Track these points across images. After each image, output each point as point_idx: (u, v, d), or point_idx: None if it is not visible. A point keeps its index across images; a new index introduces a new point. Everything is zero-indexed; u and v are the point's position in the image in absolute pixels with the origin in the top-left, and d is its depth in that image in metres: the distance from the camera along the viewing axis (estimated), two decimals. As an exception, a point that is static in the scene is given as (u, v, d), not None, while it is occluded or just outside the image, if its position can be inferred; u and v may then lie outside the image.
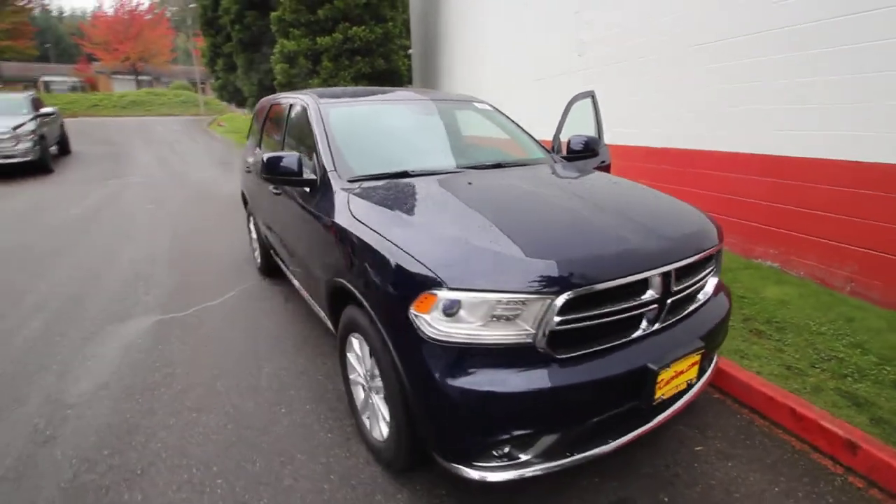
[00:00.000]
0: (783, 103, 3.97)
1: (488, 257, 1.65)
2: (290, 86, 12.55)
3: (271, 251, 4.11)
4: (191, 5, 27.81)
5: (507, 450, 1.67)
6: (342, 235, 2.12)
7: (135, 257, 5.20)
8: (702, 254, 1.95)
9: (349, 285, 2.00)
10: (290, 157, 2.55)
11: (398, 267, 1.72)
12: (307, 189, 2.67)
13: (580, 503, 1.97)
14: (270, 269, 4.52)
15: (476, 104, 3.57)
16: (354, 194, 2.25)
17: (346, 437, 2.40)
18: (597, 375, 1.65)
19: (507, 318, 1.58)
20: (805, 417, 2.28)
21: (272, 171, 2.58)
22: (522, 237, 1.76)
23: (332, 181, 2.46)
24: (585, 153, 3.29)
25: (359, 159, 2.61)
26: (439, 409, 1.64)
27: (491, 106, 3.64)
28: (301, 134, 3.20)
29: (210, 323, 3.69)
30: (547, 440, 1.68)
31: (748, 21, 4.21)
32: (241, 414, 2.59)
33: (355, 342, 2.22)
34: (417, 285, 1.63)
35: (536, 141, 3.42)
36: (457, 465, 1.70)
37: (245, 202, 4.96)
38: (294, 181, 2.61)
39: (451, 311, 1.59)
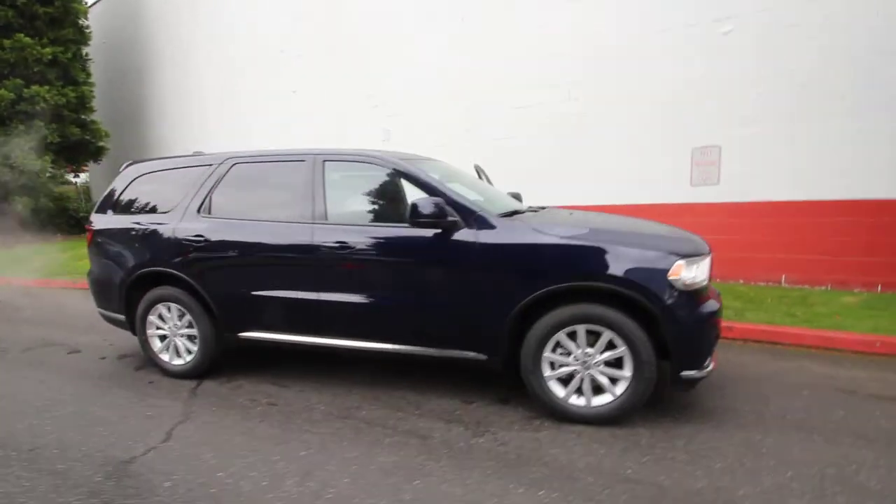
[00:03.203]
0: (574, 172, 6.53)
1: (687, 240, 2.78)
2: None
3: (249, 331, 3.39)
4: None
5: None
6: (553, 252, 2.70)
7: None
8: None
9: (596, 284, 2.61)
10: (437, 202, 2.79)
11: (655, 255, 2.59)
12: (437, 232, 2.88)
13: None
14: (216, 361, 3.61)
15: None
16: (542, 222, 2.83)
17: (558, 432, 2.77)
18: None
19: (699, 270, 2.73)
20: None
21: (417, 216, 2.77)
22: (674, 231, 2.97)
23: (487, 219, 2.87)
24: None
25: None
26: (700, 328, 2.60)
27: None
28: (365, 191, 3.39)
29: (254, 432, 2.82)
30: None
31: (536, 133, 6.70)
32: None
33: (563, 336, 2.73)
34: (672, 260, 2.57)
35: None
36: (693, 372, 2.64)
37: (126, 293, 3.65)
38: (440, 223, 2.82)
39: (689, 271, 2.61)
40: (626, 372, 2.68)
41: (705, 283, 2.75)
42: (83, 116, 10.42)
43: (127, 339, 4.54)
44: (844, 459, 2.40)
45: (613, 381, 2.74)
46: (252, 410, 3.12)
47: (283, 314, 3.31)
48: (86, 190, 13.76)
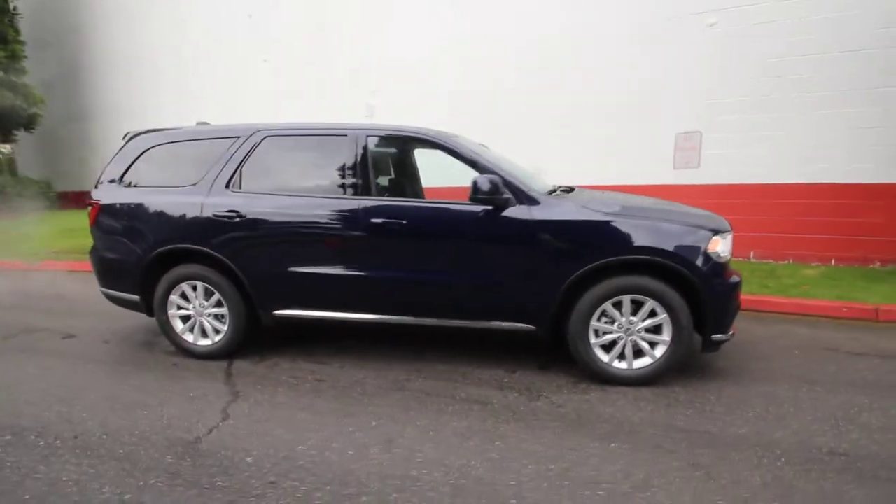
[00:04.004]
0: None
1: (714, 217, 3.06)
2: None
3: (288, 310, 3.34)
4: None
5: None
6: (606, 228, 2.90)
7: None
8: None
9: (647, 257, 2.84)
10: (493, 179, 2.89)
11: (696, 230, 2.87)
12: (488, 209, 2.98)
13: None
14: (249, 338, 3.54)
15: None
16: (587, 199, 3.01)
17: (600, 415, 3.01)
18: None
19: (726, 244, 3.04)
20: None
21: (477, 192, 2.87)
22: (698, 210, 3.25)
23: (537, 197, 3.01)
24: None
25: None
26: (730, 297, 2.91)
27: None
28: (400, 165, 3.29)
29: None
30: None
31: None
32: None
33: (608, 306, 2.95)
34: (709, 235, 2.86)
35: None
36: (722, 335, 2.96)
37: (143, 272, 3.45)
38: (495, 199, 2.92)
39: (721, 246, 2.91)
40: (666, 337, 2.96)
41: (730, 256, 3.07)
42: (14, 79, 9.28)
43: (125, 321, 4.32)
44: (847, 404, 2.83)
45: (652, 345, 3.02)
46: (301, 387, 3.12)
47: (324, 291, 3.29)
48: (10, 161, 12.31)
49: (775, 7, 5.67)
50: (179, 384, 3.19)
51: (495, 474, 2.21)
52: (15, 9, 9.76)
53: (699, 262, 2.85)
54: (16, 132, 10.43)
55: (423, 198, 4.12)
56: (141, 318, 4.26)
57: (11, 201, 10.83)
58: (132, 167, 3.58)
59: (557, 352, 3.40)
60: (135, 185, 3.55)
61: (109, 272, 3.66)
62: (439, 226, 3.15)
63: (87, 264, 6.91)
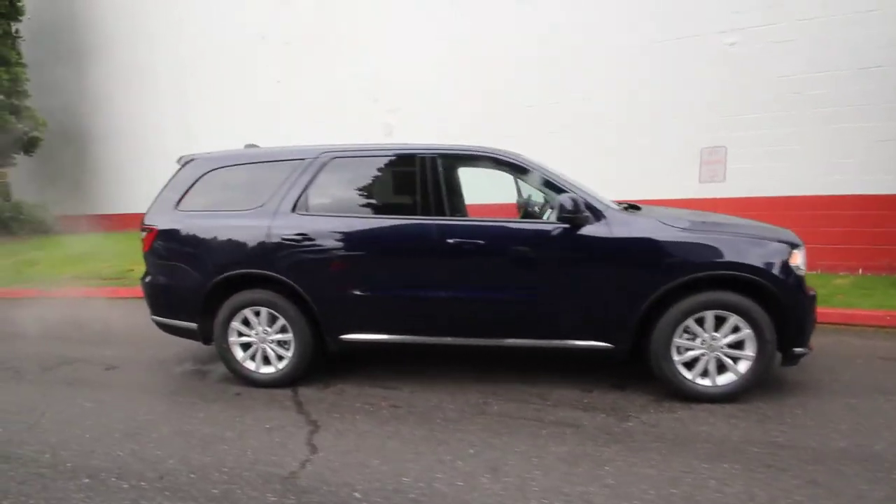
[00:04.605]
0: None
1: (788, 232, 3.09)
2: None
3: (354, 334, 3.26)
4: None
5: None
6: (689, 244, 2.91)
7: None
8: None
9: (733, 272, 2.86)
10: (574, 198, 2.90)
11: (774, 243, 2.90)
12: (565, 227, 2.99)
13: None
14: (313, 364, 3.43)
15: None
16: (664, 214, 3.04)
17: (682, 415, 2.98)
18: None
19: (803, 258, 3.08)
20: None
21: (564, 212, 2.88)
22: (768, 225, 3.29)
23: (615, 214, 3.03)
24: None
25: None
26: (810, 310, 2.93)
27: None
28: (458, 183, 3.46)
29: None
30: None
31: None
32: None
33: (691, 322, 2.94)
34: (788, 249, 2.89)
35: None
36: (803, 349, 2.98)
37: (204, 299, 3.33)
38: (577, 218, 2.93)
39: (800, 258, 2.94)
40: (749, 352, 2.95)
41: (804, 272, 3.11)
42: (16, 102, 9.06)
43: (166, 350, 4.19)
44: (931, 414, 2.86)
45: (734, 361, 3.01)
46: (379, 414, 3.03)
47: (396, 313, 3.23)
48: (4, 185, 11.93)
49: (792, 27, 5.90)
50: (250, 415, 3.07)
51: (619, 501, 2.15)
52: (17, 31, 9.59)
53: (783, 276, 2.88)
54: (14, 155, 10.14)
55: (467, 215, 4.11)
56: (182, 347, 4.15)
57: (7, 226, 10.51)
58: (189, 192, 3.49)
59: (630, 368, 3.38)
60: (193, 210, 3.45)
61: (165, 300, 3.52)
62: (514, 244, 3.12)
63: (103, 290, 6.79)
